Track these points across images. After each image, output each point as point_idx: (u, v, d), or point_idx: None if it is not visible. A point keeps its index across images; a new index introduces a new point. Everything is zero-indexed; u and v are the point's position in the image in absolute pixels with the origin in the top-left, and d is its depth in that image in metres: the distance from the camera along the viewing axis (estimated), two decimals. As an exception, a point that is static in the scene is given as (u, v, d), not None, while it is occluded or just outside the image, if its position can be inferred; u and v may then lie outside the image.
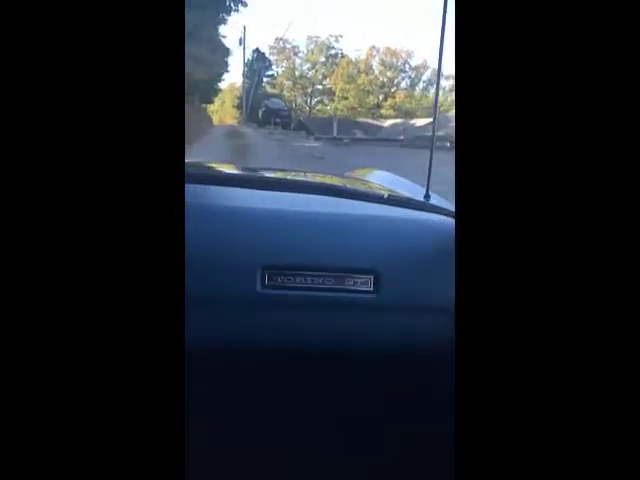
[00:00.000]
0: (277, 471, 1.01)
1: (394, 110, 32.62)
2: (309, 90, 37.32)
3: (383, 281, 0.78)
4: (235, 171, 1.43)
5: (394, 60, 34.10)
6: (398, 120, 28.99)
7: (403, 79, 35.21)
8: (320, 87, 37.40)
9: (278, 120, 22.20)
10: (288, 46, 36.59)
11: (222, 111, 46.02)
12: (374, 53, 34.27)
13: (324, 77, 36.55)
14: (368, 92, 34.42)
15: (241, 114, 31.75)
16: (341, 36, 37.11)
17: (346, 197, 0.94)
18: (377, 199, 0.92)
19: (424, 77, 35.58)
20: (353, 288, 0.78)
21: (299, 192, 0.96)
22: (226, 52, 21.23)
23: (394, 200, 0.92)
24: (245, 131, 18.59)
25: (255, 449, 1.01)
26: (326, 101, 37.77)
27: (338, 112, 33.89)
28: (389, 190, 1.08)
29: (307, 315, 0.79)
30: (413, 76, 35.01)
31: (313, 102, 37.99)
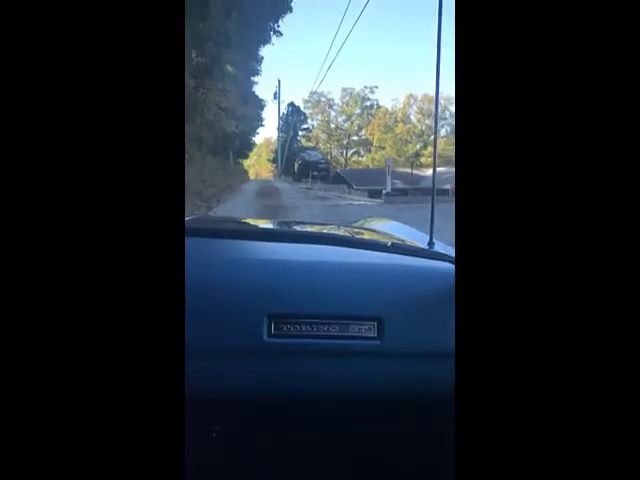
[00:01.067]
0: None
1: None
2: (345, 142, 36.63)
3: (387, 328, 0.80)
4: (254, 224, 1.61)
5: (432, 107, 33.04)
6: (441, 168, 27.51)
7: (443, 126, 34.00)
8: (356, 138, 36.76)
9: (316, 173, 20.75)
10: (323, 99, 36.45)
11: (258, 165, 46.03)
12: (411, 101, 33.46)
13: (360, 128, 35.93)
14: (406, 141, 33.31)
15: (277, 168, 31.06)
16: (376, 87, 36.65)
17: (350, 246, 0.97)
18: (381, 248, 0.94)
19: (465, 124, 34.51)
20: (357, 335, 0.79)
21: (304, 243, 0.99)
22: (261, 105, 20.52)
23: (397, 248, 0.93)
24: (280, 187, 17.13)
25: None
26: (362, 152, 36.96)
27: (375, 162, 32.83)
28: (395, 238, 1.11)
29: (313, 363, 0.79)
30: (453, 123, 33.75)
31: (349, 153, 37.19)
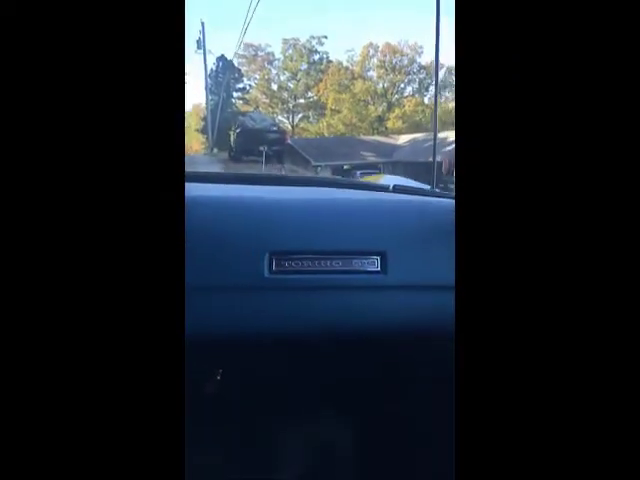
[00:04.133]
0: (283, 451, 1.04)
1: (403, 122, 25.48)
2: (291, 105, 30.02)
3: (390, 261, 0.80)
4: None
5: (397, 59, 27.14)
6: (417, 135, 21.82)
7: (409, 83, 28.30)
8: (303, 101, 30.22)
9: (264, 148, 13.16)
10: (261, 53, 29.83)
11: (187, 136, 38.59)
12: (371, 52, 27.23)
13: (308, 88, 29.48)
14: (367, 102, 27.21)
15: (208, 140, 24.18)
16: (325, 37, 30.23)
17: (352, 188, 0.98)
18: (383, 189, 0.95)
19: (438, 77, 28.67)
20: (361, 269, 0.80)
21: (306, 186, 1.01)
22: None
23: (399, 189, 0.93)
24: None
25: (266, 433, 1.02)
26: (312, 116, 30.58)
27: (331, 129, 26.67)
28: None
29: (316, 298, 0.80)
30: (422, 78, 27.98)
31: (296, 119, 30.73)
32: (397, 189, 0.92)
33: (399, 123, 25.74)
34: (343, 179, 1.17)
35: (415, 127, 25.12)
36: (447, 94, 29.75)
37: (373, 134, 24.74)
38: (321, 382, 1.00)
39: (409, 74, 28.04)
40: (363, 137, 23.33)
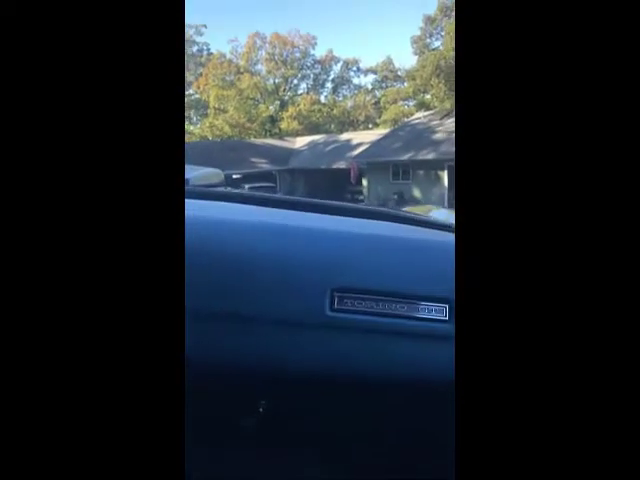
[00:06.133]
0: None
1: (299, 123, 22.46)
2: (167, 103, 25.63)
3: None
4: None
5: (288, 52, 24.07)
6: (316, 137, 18.89)
7: (303, 78, 25.39)
8: (183, 98, 25.91)
9: None
10: (127, 41, 24.65)
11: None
12: (258, 43, 23.87)
13: (187, 83, 25.16)
14: (257, 101, 23.77)
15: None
16: (204, 26, 26.26)
17: (416, 225, 0.96)
18: (445, 227, 0.93)
19: (333, 73, 26.02)
20: (427, 317, 0.76)
21: (367, 218, 0.99)
22: None
23: None
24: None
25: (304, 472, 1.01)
26: (193, 117, 26.53)
27: (215, 131, 22.86)
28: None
29: (378, 342, 0.77)
30: (318, 73, 25.18)
31: (175, 120, 26.35)
32: None
33: (294, 124, 22.83)
34: (408, 214, 1.02)
35: (312, 128, 22.38)
36: (345, 92, 27.49)
37: (265, 137, 21.55)
38: (377, 426, 0.95)
39: (302, 69, 25.30)
40: (254, 140, 20.00)
